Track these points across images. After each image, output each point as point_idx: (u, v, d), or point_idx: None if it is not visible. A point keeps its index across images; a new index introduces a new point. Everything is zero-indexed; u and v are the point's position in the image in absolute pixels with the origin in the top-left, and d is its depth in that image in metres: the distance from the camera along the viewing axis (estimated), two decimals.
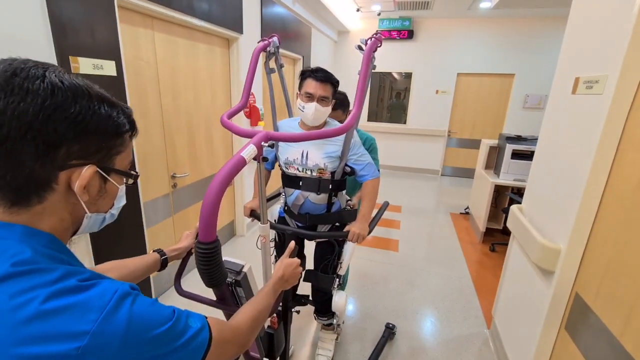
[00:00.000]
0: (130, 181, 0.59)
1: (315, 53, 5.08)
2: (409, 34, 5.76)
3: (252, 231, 3.57)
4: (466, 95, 5.94)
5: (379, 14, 5.48)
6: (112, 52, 1.65)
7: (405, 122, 6.39)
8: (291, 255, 0.99)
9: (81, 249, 1.66)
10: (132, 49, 1.89)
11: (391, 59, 6.04)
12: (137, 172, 0.59)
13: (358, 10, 5.22)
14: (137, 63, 1.94)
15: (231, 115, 1.28)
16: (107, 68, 1.63)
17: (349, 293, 2.56)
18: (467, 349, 2.05)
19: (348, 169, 1.53)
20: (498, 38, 5.45)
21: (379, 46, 1.34)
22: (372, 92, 6.46)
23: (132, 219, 1.93)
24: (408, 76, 6.17)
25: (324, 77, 1.41)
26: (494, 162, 3.72)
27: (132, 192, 1.90)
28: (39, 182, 0.46)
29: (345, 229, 1.47)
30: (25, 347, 0.39)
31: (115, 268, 0.82)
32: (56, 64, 0.49)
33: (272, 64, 1.62)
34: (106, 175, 0.52)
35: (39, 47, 1.36)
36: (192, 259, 0.90)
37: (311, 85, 1.40)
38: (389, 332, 2.07)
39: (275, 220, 1.74)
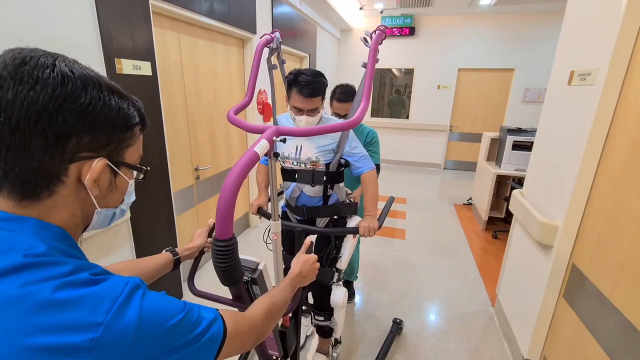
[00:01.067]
0: (141, 176, 0.57)
1: (320, 51, 5.23)
2: (411, 31, 5.91)
3: (265, 223, 3.74)
4: (467, 90, 6.09)
5: (381, 12, 5.62)
6: (148, 53, 1.81)
7: (407, 117, 6.54)
8: (307, 251, 0.98)
9: (123, 233, 1.82)
10: (162, 51, 2.04)
11: (393, 55, 6.19)
12: (147, 167, 0.57)
13: (361, 8, 5.36)
14: (166, 63, 2.10)
15: (237, 111, 1.27)
16: (144, 68, 1.79)
17: (357, 287, 2.72)
18: (472, 324, 2.22)
19: (343, 161, 1.52)
20: (498, 33, 5.59)
21: (384, 38, 1.31)
22: (374, 88, 6.60)
23: (165, 208, 2.09)
24: (409, 72, 6.32)
25: (311, 92, 1.36)
26: (495, 153, 3.88)
27: (164, 183, 2.07)
28: (49, 175, 0.45)
29: (355, 225, 1.49)
30: (36, 336, 0.38)
31: (129, 268, 0.81)
32: (65, 55, 0.47)
33: (274, 60, 1.57)
34: (116, 169, 0.51)
35: (90, 51, 1.51)
36: (204, 258, 0.92)
37: (298, 101, 1.38)
38: (397, 327, 2.10)
39: (279, 215, 1.72)
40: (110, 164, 0.50)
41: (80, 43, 1.47)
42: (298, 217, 1.66)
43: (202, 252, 1.03)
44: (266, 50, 1.41)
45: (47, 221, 0.46)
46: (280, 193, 1.71)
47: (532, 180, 1.97)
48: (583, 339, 1.37)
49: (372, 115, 6.70)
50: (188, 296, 0.93)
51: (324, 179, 1.50)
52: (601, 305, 1.28)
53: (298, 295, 0.94)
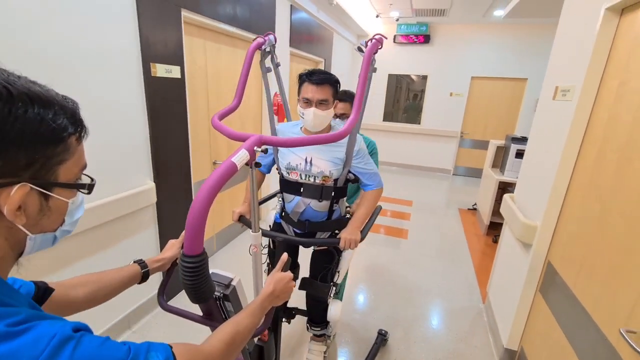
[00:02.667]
0: (85, 191, 0.50)
1: (336, 56, 5.44)
2: (426, 39, 6.05)
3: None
4: (479, 98, 6.18)
5: (397, 20, 5.79)
6: (178, 59, 2.06)
7: (419, 123, 6.67)
8: (283, 269, 0.92)
9: (148, 217, 2.07)
10: (189, 56, 2.30)
11: (408, 62, 6.35)
12: (92, 180, 0.50)
13: (377, 16, 5.55)
14: (192, 67, 2.35)
15: (222, 116, 1.20)
16: (175, 72, 2.04)
17: (360, 280, 2.91)
18: (462, 318, 2.38)
19: (352, 176, 1.47)
20: (512, 43, 5.67)
21: (380, 48, 1.27)
22: (389, 93, 6.76)
23: (186, 196, 2.34)
24: (423, 79, 6.45)
25: (321, 79, 1.33)
26: (500, 161, 3.99)
27: (186, 174, 2.32)
28: None
29: (338, 236, 1.41)
30: None
31: (86, 283, 0.73)
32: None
33: (267, 63, 1.52)
34: (47, 192, 0.43)
35: (131, 56, 1.77)
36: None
37: (308, 90, 1.34)
38: (382, 338, 2.06)
39: (270, 226, 1.69)
40: (37, 188, 0.41)
41: (123, 50, 1.72)
42: (297, 231, 1.58)
43: (174, 264, 0.97)
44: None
45: None
46: (261, 202, 1.65)
47: (521, 186, 2.12)
48: (552, 329, 1.52)
49: (384, 120, 6.86)
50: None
51: (332, 194, 1.45)
52: (565, 297, 1.44)
53: (270, 315, 0.88)
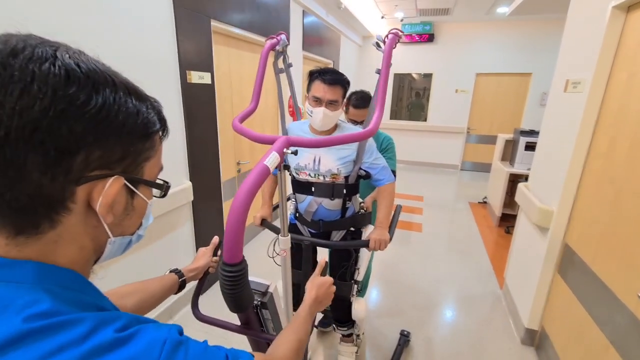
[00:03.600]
0: (161, 194, 0.48)
1: (343, 57, 5.58)
2: (430, 37, 6.17)
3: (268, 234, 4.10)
4: (485, 94, 6.28)
5: (401, 20, 5.92)
6: (208, 66, 2.20)
7: (425, 120, 6.79)
8: (322, 273, 0.91)
9: (185, 214, 2.21)
10: (216, 63, 2.44)
11: (413, 60, 6.47)
12: (168, 183, 0.49)
13: (382, 17, 5.68)
14: (219, 73, 2.49)
15: (243, 119, 1.20)
16: (206, 78, 2.18)
17: (377, 274, 3.03)
18: (481, 304, 2.49)
19: (363, 173, 1.46)
20: (515, 39, 5.78)
21: (398, 42, 1.24)
22: (392, 91, 6.89)
23: (216, 194, 2.49)
24: (428, 76, 6.57)
25: (333, 79, 1.31)
26: (509, 154, 4.10)
27: (215, 174, 2.46)
28: (51, 201, 0.36)
29: (365, 237, 1.43)
30: None
31: (136, 291, 0.74)
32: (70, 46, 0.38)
33: (280, 63, 1.54)
34: (134, 189, 0.43)
35: (171, 64, 1.91)
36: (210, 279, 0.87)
37: (319, 89, 1.32)
38: (405, 339, 2.05)
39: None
40: (127, 183, 0.41)
41: (163, 58, 1.87)
42: (312, 231, 1.58)
43: (206, 273, 0.97)
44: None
45: (50, 262, 0.37)
46: (275, 208, 1.65)
47: (535, 174, 2.24)
48: (572, 306, 1.64)
49: (390, 118, 6.98)
50: (194, 320, 0.95)
51: (344, 192, 1.44)
52: (585, 274, 1.56)
53: (314, 321, 0.88)
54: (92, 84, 0.35)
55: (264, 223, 1.55)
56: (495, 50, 5.94)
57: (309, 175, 1.44)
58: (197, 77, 2.09)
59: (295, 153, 0.89)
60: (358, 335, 1.78)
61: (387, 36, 1.22)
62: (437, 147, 6.80)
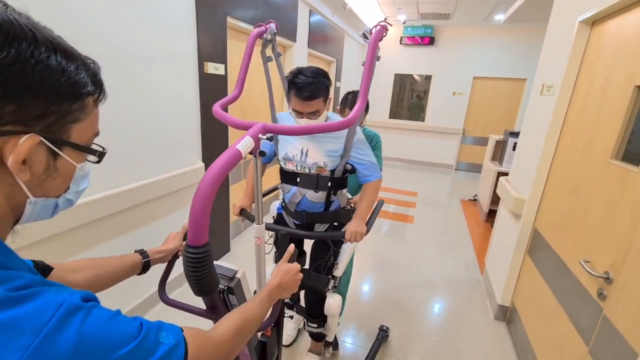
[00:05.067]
0: (94, 159, 0.46)
1: (346, 56, 5.80)
2: (431, 40, 6.39)
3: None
4: (481, 97, 6.52)
5: (404, 23, 6.14)
6: (223, 58, 2.43)
7: (423, 120, 7.02)
8: (290, 260, 0.90)
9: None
10: (229, 55, 2.66)
11: (414, 62, 6.70)
12: (104, 148, 0.47)
13: (385, 19, 5.88)
14: (231, 65, 2.71)
15: (224, 105, 1.17)
16: (220, 69, 2.40)
17: (367, 261, 3.26)
18: (463, 287, 2.73)
19: (349, 167, 1.44)
20: (512, 45, 6.01)
21: (385, 35, 1.20)
22: (393, 92, 7.11)
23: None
24: (428, 78, 6.81)
25: (309, 95, 1.26)
26: (499, 154, 4.34)
27: (221, 148, 2.68)
28: None
29: (343, 229, 1.41)
30: None
31: (86, 267, 0.71)
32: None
33: (268, 52, 1.47)
34: (56, 149, 0.40)
35: (191, 56, 2.13)
36: (179, 263, 0.86)
37: (297, 104, 1.30)
38: (383, 334, 2.04)
39: (273, 217, 1.72)
40: (46, 142, 0.39)
41: (184, 51, 2.09)
42: (296, 222, 1.59)
43: (175, 256, 0.96)
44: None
45: None
46: (266, 194, 1.63)
47: (514, 169, 2.48)
48: (536, 281, 1.88)
49: (390, 117, 7.21)
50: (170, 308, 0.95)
51: (329, 184, 1.43)
52: (548, 253, 1.79)
53: (277, 307, 0.88)
54: (5, 35, 0.33)
55: (243, 213, 1.54)
56: (492, 55, 6.18)
57: (296, 166, 1.44)
58: (213, 67, 2.32)
59: (270, 139, 0.93)
60: (328, 343, 1.74)
61: (374, 27, 1.20)
62: (433, 147, 7.04)
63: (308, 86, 1.26)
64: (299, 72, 1.30)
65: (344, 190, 1.57)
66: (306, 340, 1.96)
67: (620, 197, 1.25)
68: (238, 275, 0.94)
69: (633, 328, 1.06)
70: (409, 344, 2.05)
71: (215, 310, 0.87)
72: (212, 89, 2.36)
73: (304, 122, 1.32)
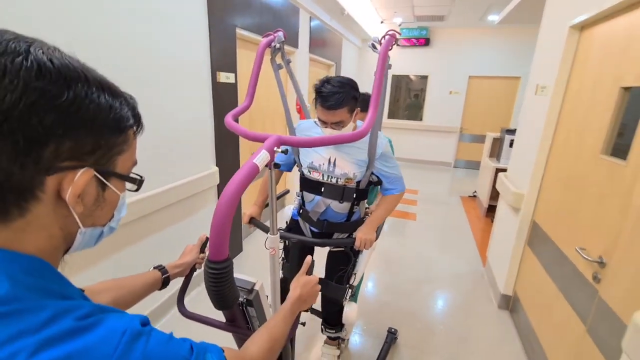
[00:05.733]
0: (134, 187, 0.49)
1: (345, 59, 5.93)
2: (426, 42, 6.54)
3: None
4: (477, 96, 6.67)
5: (399, 25, 6.28)
6: (233, 67, 2.54)
7: (421, 119, 7.17)
8: (308, 272, 0.91)
9: (211, 196, 2.54)
10: (239, 64, 2.78)
11: (410, 63, 6.84)
12: (142, 177, 0.50)
13: (382, 22, 6.03)
14: (240, 74, 2.83)
15: (235, 116, 1.18)
16: (231, 78, 2.52)
17: (374, 261, 3.39)
18: (466, 279, 2.86)
19: (375, 178, 1.44)
20: (506, 44, 6.16)
21: (394, 44, 1.20)
22: (390, 92, 7.25)
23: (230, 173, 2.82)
24: (424, 78, 6.95)
25: (333, 104, 1.25)
26: (496, 151, 4.48)
27: (235, 161, 2.79)
28: (20, 190, 0.36)
29: (353, 236, 1.41)
30: None
31: (110, 288, 0.73)
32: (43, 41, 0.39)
33: (278, 59, 1.49)
34: (105, 181, 0.43)
35: (204, 66, 2.25)
36: (197, 275, 0.89)
37: (322, 113, 1.30)
38: (392, 337, 2.07)
39: (286, 222, 1.70)
40: (98, 175, 0.42)
41: (198, 60, 2.20)
42: (314, 230, 1.58)
43: (193, 269, 0.97)
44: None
45: (16, 249, 0.38)
46: (267, 205, 1.65)
47: (512, 165, 2.61)
48: (536, 270, 2.01)
49: (388, 117, 7.34)
50: (183, 318, 0.97)
51: (354, 196, 1.43)
52: (547, 244, 1.92)
53: (297, 322, 0.87)
54: (63, 78, 0.36)
55: (253, 221, 1.54)
56: (486, 55, 6.33)
57: (322, 176, 1.41)
58: (225, 77, 2.43)
59: (285, 152, 0.89)
60: (343, 340, 1.75)
61: (383, 37, 1.19)
62: (432, 145, 7.18)
63: (332, 95, 1.25)
64: (326, 81, 1.29)
65: (365, 201, 1.58)
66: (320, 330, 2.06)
67: (610, 189, 1.38)
68: (256, 288, 0.95)
69: (624, 305, 1.19)
70: (418, 334, 2.17)
71: (234, 322, 0.88)
72: (224, 97, 2.47)
73: (329, 132, 1.32)
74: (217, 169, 2.47)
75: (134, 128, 0.47)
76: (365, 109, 1.85)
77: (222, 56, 2.40)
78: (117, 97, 0.43)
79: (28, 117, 0.34)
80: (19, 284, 0.35)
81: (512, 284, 2.34)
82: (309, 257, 0.93)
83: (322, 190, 1.43)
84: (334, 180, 1.41)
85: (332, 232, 1.57)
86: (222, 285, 0.71)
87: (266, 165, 0.83)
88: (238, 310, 0.90)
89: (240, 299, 0.92)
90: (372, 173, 1.43)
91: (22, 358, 0.31)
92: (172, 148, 2.06)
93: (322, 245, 1.50)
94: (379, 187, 1.53)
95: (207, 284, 0.71)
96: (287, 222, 1.72)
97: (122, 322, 0.39)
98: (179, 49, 2.00)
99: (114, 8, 1.55)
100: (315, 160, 1.42)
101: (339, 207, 1.47)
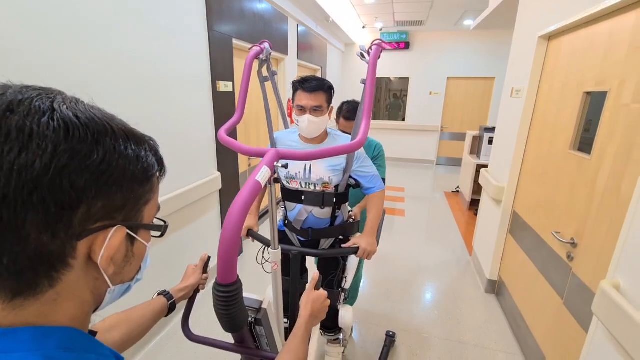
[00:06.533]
0: (158, 234, 0.46)
1: (329, 63, 6.11)
2: (406, 45, 6.81)
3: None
4: (455, 96, 7.00)
5: (380, 29, 6.52)
6: (230, 76, 2.66)
7: (404, 119, 7.44)
8: (316, 287, 0.91)
9: (213, 201, 2.64)
10: (236, 73, 2.89)
11: (391, 66, 7.11)
12: (166, 222, 0.47)
13: (364, 27, 6.26)
14: (237, 82, 2.94)
15: (228, 130, 1.17)
16: (229, 87, 2.64)
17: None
18: (454, 268, 3.08)
19: (352, 181, 1.47)
20: (481, 47, 6.52)
21: (381, 52, 1.24)
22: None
23: (235, 183, 2.94)
24: (404, 79, 7.23)
25: (313, 86, 1.32)
26: (476, 148, 4.76)
27: (235, 166, 2.90)
28: (51, 260, 0.33)
29: (351, 243, 1.43)
30: None
31: (121, 323, 0.71)
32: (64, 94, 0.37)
33: (264, 72, 1.49)
34: (135, 235, 0.41)
35: (205, 76, 2.36)
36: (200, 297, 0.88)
37: (302, 97, 1.35)
38: (390, 340, 2.11)
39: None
40: (130, 232, 0.39)
41: (199, 71, 2.31)
42: (301, 239, 1.60)
43: (196, 291, 0.95)
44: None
45: (50, 322, 0.35)
46: (262, 215, 1.65)
47: (492, 161, 2.85)
48: (518, 255, 2.23)
49: (373, 119, 7.57)
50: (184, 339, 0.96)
51: (334, 200, 1.45)
52: (525, 229, 2.15)
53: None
54: (92, 134, 0.34)
55: (250, 233, 1.51)
56: (463, 57, 6.67)
57: (300, 184, 1.44)
58: (224, 85, 2.55)
59: (285, 167, 0.89)
60: (345, 339, 1.78)
61: (371, 47, 1.22)
62: (414, 144, 7.47)
63: (313, 80, 1.35)
64: (303, 77, 1.40)
65: (347, 204, 1.61)
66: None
67: (578, 179, 1.60)
68: (264, 306, 0.94)
69: (593, 277, 1.40)
70: (413, 319, 2.36)
71: (243, 343, 0.87)
72: (223, 105, 2.59)
73: (307, 119, 1.34)
74: (219, 174, 2.58)
75: (158, 174, 0.44)
76: (352, 118, 1.87)
77: (221, 66, 2.52)
78: (141, 145, 0.40)
79: (60, 182, 0.31)
80: None
81: (497, 270, 2.57)
82: (315, 273, 0.94)
83: (303, 198, 1.45)
84: (312, 187, 1.44)
85: (319, 239, 1.58)
86: (232, 309, 0.69)
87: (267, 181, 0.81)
88: (247, 330, 0.88)
89: (249, 319, 0.91)
90: (350, 176, 1.46)
91: None
92: (177, 156, 2.16)
93: (325, 256, 1.51)
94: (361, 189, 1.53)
95: (217, 307, 0.69)
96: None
97: None
98: (182, 62, 2.11)
99: (122, 28, 1.65)
100: (291, 169, 1.43)
101: (321, 213, 1.49)
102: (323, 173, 1.41)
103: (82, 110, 0.35)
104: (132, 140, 0.38)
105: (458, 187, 5.39)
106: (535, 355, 1.88)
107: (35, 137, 0.30)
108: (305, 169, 1.42)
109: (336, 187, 1.44)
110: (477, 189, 4.73)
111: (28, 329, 0.34)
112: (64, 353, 0.35)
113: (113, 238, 0.37)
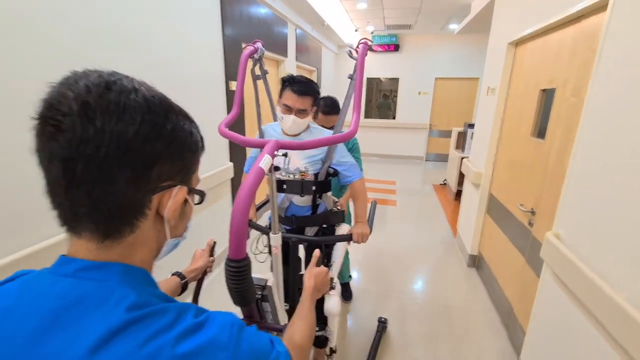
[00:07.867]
0: (199, 200, 0.55)
1: (324, 64, 6.45)
2: (396, 47, 7.20)
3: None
4: (442, 95, 7.42)
5: (372, 32, 6.89)
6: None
7: (394, 118, 7.83)
8: (317, 264, 0.98)
9: (226, 188, 2.95)
10: None
11: (382, 67, 7.48)
12: (204, 191, 0.55)
13: (356, 30, 6.62)
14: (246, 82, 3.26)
15: (228, 124, 1.25)
16: (233, 86, 2.94)
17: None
18: (440, 248, 3.44)
19: (331, 170, 1.52)
20: (466, 49, 6.94)
21: (369, 49, 1.33)
22: (363, 94, 7.85)
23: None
24: (394, 80, 7.62)
25: (303, 90, 1.37)
26: (461, 143, 5.16)
27: (243, 157, 3.21)
28: (134, 209, 0.43)
29: (347, 232, 1.51)
30: None
31: None
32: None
33: (257, 70, 1.60)
34: (188, 197, 0.50)
35: (220, 77, 2.67)
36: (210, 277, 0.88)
37: (289, 98, 1.38)
38: (382, 325, 2.21)
39: (267, 226, 1.72)
40: (188, 192, 0.48)
41: (214, 72, 2.62)
42: (287, 227, 1.67)
43: (205, 273, 1.02)
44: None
45: (129, 262, 0.44)
46: (261, 206, 1.73)
47: (472, 151, 3.22)
48: (494, 231, 2.60)
49: (365, 117, 7.94)
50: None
51: (313, 188, 1.51)
52: (499, 208, 2.51)
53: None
54: (164, 110, 0.43)
55: (250, 223, 1.53)
56: (449, 59, 7.08)
57: (281, 174, 1.51)
58: (235, 85, 2.86)
59: (285, 155, 0.99)
60: (332, 350, 1.69)
61: (358, 46, 1.32)
62: (405, 141, 7.85)
63: (303, 84, 1.40)
64: (293, 76, 1.46)
65: (329, 193, 1.65)
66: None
67: (537, 160, 1.96)
68: (269, 284, 1.03)
69: (543, 237, 1.76)
70: (406, 297, 2.70)
71: (251, 318, 0.95)
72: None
73: (292, 119, 1.40)
74: (231, 164, 2.89)
75: (201, 148, 0.51)
76: (331, 113, 2.06)
77: (233, 68, 2.83)
78: (191, 122, 0.48)
79: (144, 145, 0.40)
80: (142, 293, 0.42)
81: (477, 245, 2.94)
82: (316, 251, 1.01)
83: (285, 187, 1.53)
84: (291, 176, 1.51)
85: (303, 227, 1.64)
86: (243, 282, 0.76)
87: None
88: (254, 305, 0.96)
89: (257, 295, 1.00)
90: (329, 165, 1.52)
91: (168, 349, 0.37)
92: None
93: (321, 242, 1.55)
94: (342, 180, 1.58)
95: (229, 282, 0.76)
96: (267, 225, 1.71)
97: (227, 316, 0.46)
98: (202, 64, 2.42)
99: (155, 34, 1.97)
100: (275, 160, 1.54)
101: (301, 201, 1.57)
102: (299, 163, 1.49)
103: (154, 92, 0.44)
104: (187, 118, 0.47)
105: (445, 179, 5.78)
106: (505, 307, 2.25)
107: (128, 110, 0.39)
108: (284, 160, 1.50)
109: (315, 175, 1.50)
110: (462, 180, 5.11)
111: (118, 264, 0.43)
112: (142, 286, 0.43)
113: (178, 195, 0.46)
